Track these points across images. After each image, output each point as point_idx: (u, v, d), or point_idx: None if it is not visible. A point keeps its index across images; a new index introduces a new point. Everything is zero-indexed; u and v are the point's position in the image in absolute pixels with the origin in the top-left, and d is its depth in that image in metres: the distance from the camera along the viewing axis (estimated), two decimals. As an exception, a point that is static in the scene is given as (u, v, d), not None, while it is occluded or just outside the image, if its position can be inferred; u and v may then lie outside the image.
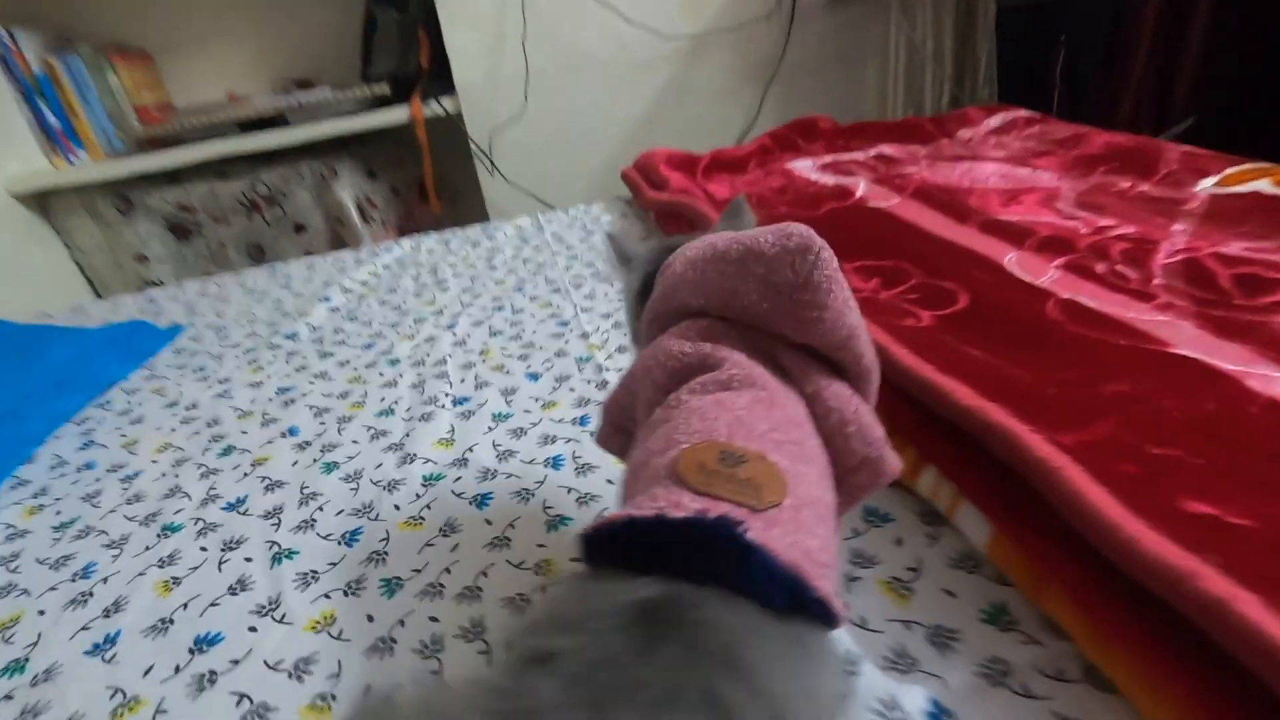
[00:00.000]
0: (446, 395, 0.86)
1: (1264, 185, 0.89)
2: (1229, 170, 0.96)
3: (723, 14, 1.93)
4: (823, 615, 0.29)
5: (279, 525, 0.67)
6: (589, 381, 0.84)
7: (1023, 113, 1.44)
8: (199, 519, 0.70)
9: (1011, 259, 0.81)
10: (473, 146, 1.92)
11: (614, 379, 0.82)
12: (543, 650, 0.25)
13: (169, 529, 0.69)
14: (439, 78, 1.88)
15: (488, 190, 2.00)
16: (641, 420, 0.41)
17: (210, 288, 1.41)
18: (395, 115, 1.88)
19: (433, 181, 1.99)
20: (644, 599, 0.26)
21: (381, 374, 0.94)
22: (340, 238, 2.05)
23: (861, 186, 1.13)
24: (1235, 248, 0.74)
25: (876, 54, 2.06)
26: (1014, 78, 1.83)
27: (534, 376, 0.87)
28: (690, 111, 2.03)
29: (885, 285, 0.81)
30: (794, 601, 0.27)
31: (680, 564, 0.27)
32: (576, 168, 2.03)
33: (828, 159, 1.38)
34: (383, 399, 0.87)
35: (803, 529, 0.30)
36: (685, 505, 0.29)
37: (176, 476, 0.78)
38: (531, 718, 0.23)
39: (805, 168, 1.34)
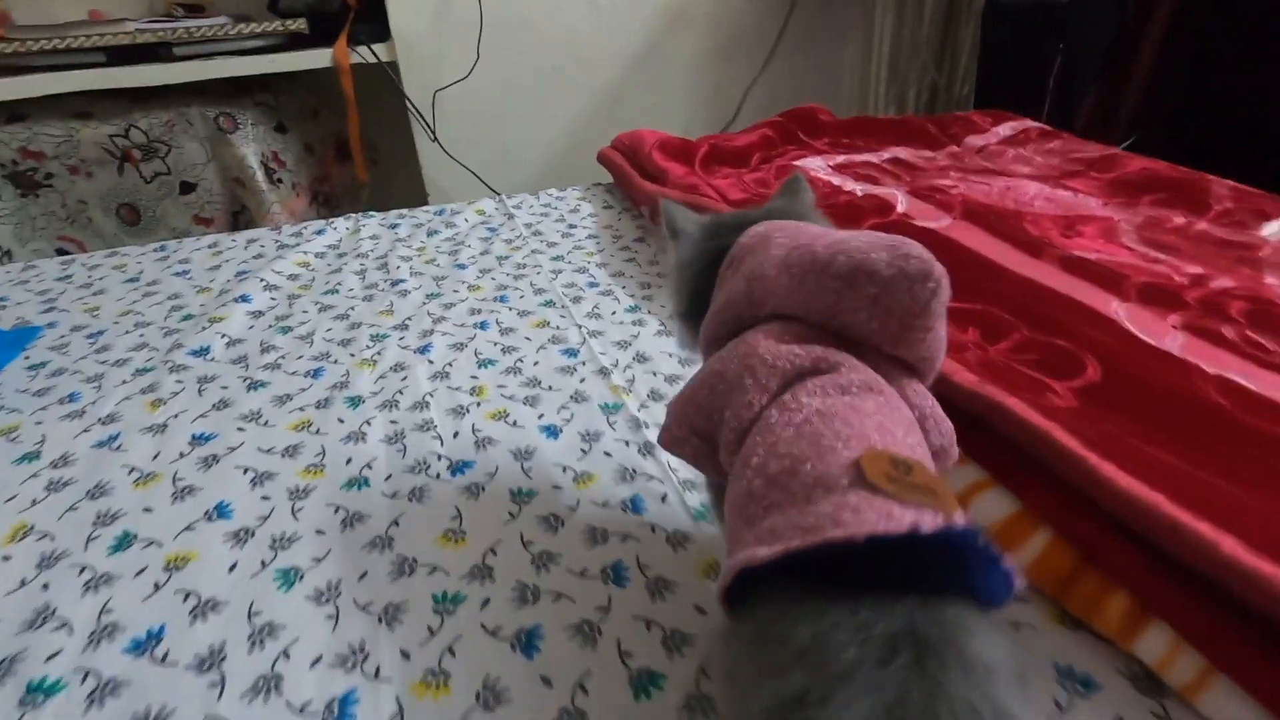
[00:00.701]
0: (439, 459, 0.65)
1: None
2: (1294, 215, 0.91)
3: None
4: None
5: (221, 691, 0.45)
6: (627, 443, 0.66)
7: (1031, 123, 1.36)
8: (86, 673, 0.47)
9: (1120, 311, 0.71)
10: (409, 106, 1.64)
11: (653, 435, 0.65)
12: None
13: (37, 690, 0.46)
14: (371, 19, 1.57)
15: (425, 160, 1.72)
16: (737, 422, 0.37)
17: (76, 270, 1.09)
18: (313, 58, 1.56)
19: (359, 142, 1.69)
20: (891, 629, 0.25)
21: (341, 420, 0.71)
22: (239, 200, 1.71)
23: (901, 200, 1.01)
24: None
25: (858, 38, 1.95)
26: (997, 76, 1.77)
27: (552, 432, 0.69)
28: (663, 86, 1.84)
29: (987, 338, 0.68)
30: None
31: (919, 578, 0.26)
32: (533, 140, 1.79)
33: (838, 159, 1.24)
34: (349, 461, 0.66)
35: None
36: (897, 516, 0.28)
37: (45, 589, 0.53)
38: None
39: (818, 168, 1.20)
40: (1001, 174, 1.14)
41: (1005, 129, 1.35)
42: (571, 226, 1.18)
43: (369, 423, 0.71)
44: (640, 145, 1.25)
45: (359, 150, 1.70)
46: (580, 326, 0.87)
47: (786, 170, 1.19)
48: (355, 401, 0.74)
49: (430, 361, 0.81)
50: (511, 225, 1.20)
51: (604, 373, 0.77)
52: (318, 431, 0.70)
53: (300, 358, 0.83)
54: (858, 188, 1.09)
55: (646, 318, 0.89)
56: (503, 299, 0.95)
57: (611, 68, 1.78)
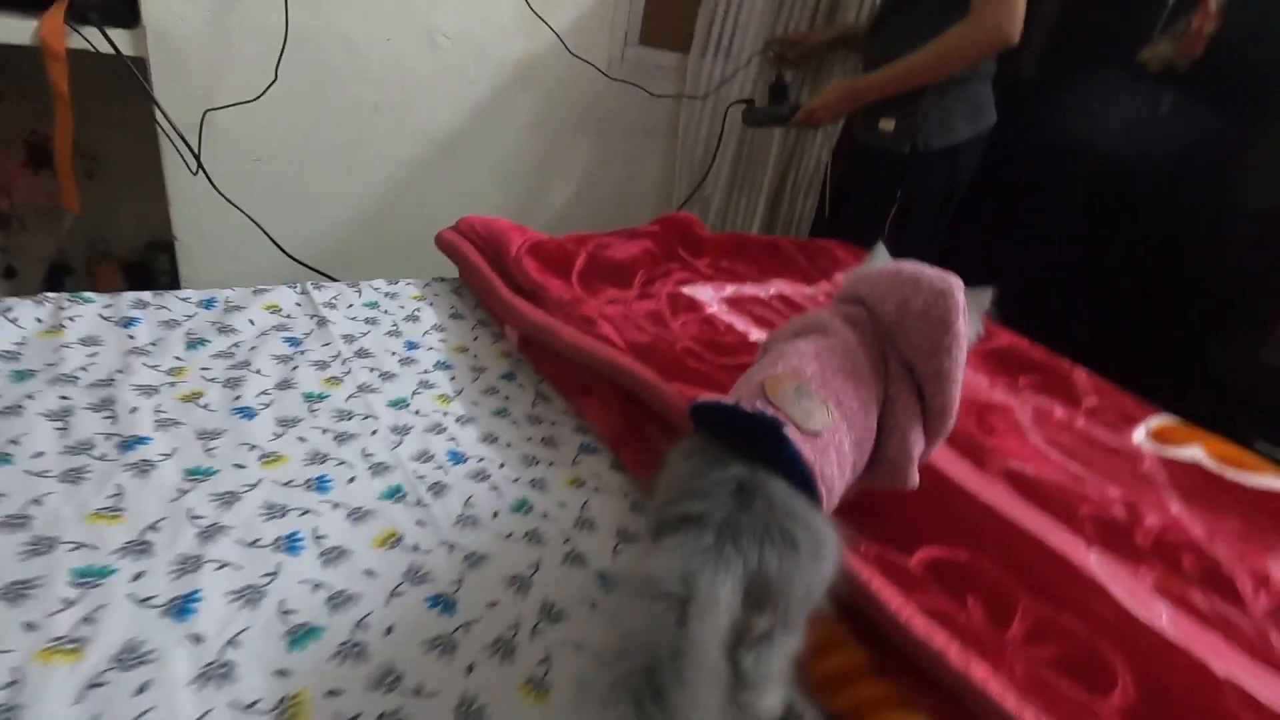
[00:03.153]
0: None
1: (1199, 455, 0.89)
2: (1152, 422, 0.96)
3: (564, 36, 1.54)
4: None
5: None
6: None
7: (889, 267, 1.38)
8: None
9: (1097, 568, 0.64)
10: (160, 120, 1.18)
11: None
12: (693, 514, 0.41)
13: None
14: (112, -5, 1.11)
15: (179, 196, 1.26)
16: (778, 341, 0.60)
17: None
18: (9, 30, 1.05)
19: (69, 155, 1.18)
20: (738, 476, 0.43)
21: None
22: None
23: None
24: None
25: (709, 136, 1.90)
26: (842, 206, 1.83)
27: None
28: (507, 145, 1.59)
29: (992, 615, 0.56)
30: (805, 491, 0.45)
31: (748, 441, 0.45)
32: (341, 194, 1.42)
33: (727, 290, 1.12)
34: None
35: (825, 457, 0.48)
36: (758, 407, 0.48)
37: None
38: (716, 552, 0.39)
39: (709, 300, 1.06)
40: (888, 331, 1.11)
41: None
42: (412, 346, 0.89)
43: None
44: (505, 245, 1.00)
45: (68, 165, 1.19)
46: (451, 546, 0.60)
47: (678, 300, 1.03)
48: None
49: (194, 638, 0.48)
50: (323, 336, 0.86)
51: (504, 653, 0.51)
52: None
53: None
54: (761, 335, 0.97)
55: (545, 524, 0.64)
56: (321, 484, 0.63)
57: (449, 115, 1.49)
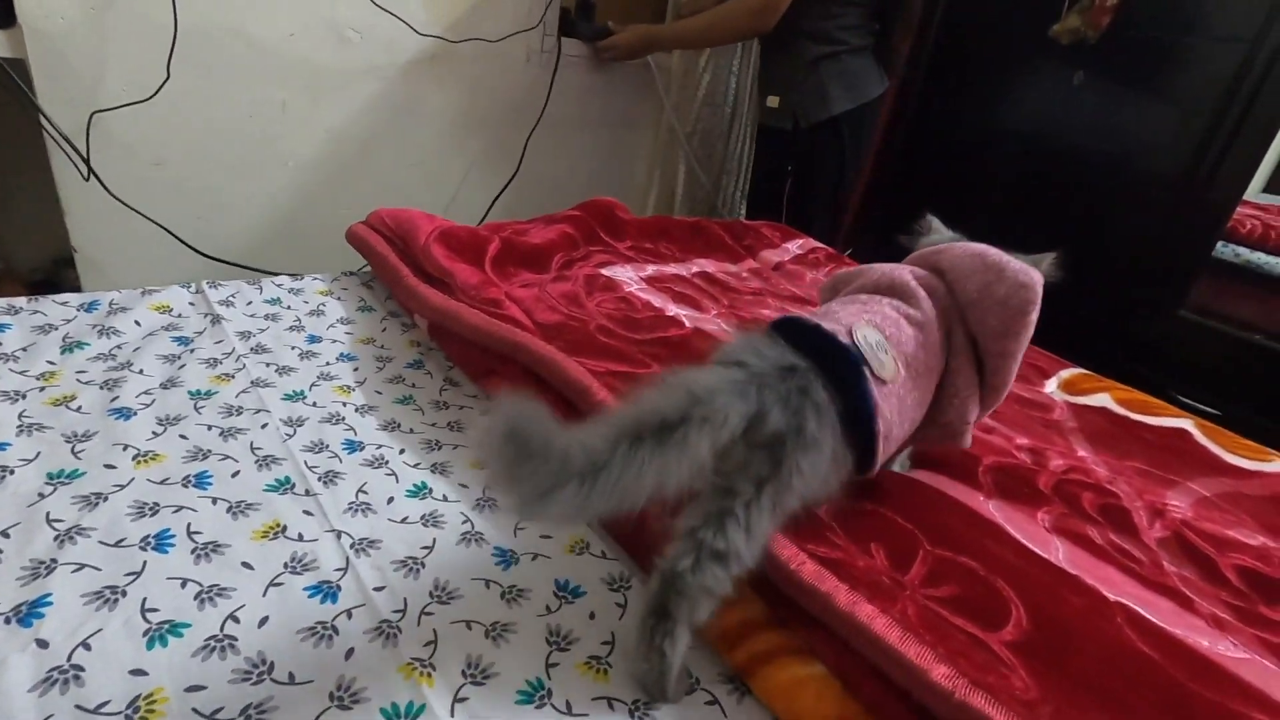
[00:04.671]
0: None
1: (1107, 401, 0.92)
2: (1063, 374, 0.98)
3: (477, 25, 1.51)
4: (867, 451, 0.52)
5: None
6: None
7: (814, 243, 1.39)
8: None
9: (995, 512, 0.65)
10: (45, 125, 1.13)
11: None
12: (737, 359, 0.47)
13: None
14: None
15: (74, 204, 1.20)
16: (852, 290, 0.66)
17: None
18: None
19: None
20: (793, 364, 0.48)
21: None
22: None
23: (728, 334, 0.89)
24: (1181, 505, 0.70)
25: (639, 122, 1.89)
26: (757, 187, 1.84)
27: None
28: (427, 143, 1.56)
29: (894, 560, 0.56)
30: (858, 430, 0.51)
31: (824, 363, 0.50)
32: (248, 195, 1.37)
33: (648, 270, 1.11)
34: None
35: (888, 404, 0.53)
36: (844, 342, 0.53)
37: None
38: (735, 379, 0.46)
39: (629, 280, 1.05)
40: (809, 301, 1.11)
41: (794, 246, 1.35)
42: (314, 340, 0.85)
43: None
44: (413, 234, 0.98)
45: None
46: (339, 534, 0.57)
47: (594, 281, 1.02)
48: None
49: (40, 643, 0.44)
50: (216, 334, 0.82)
51: (387, 635, 0.49)
52: None
53: None
54: (681, 313, 0.96)
55: (444, 506, 0.62)
56: (201, 480, 0.60)
57: (362, 113, 1.45)
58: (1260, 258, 1.81)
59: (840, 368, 0.50)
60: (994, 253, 0.63)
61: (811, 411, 0.47)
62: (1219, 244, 1.75)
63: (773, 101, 1.50)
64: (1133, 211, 1.73)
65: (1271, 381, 1.68)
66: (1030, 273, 0.60)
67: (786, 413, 0.46)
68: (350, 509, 0.60)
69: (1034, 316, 0.59)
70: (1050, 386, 0.95)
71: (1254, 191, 1.77)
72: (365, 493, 0.62)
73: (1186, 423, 0.87)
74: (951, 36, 1.87)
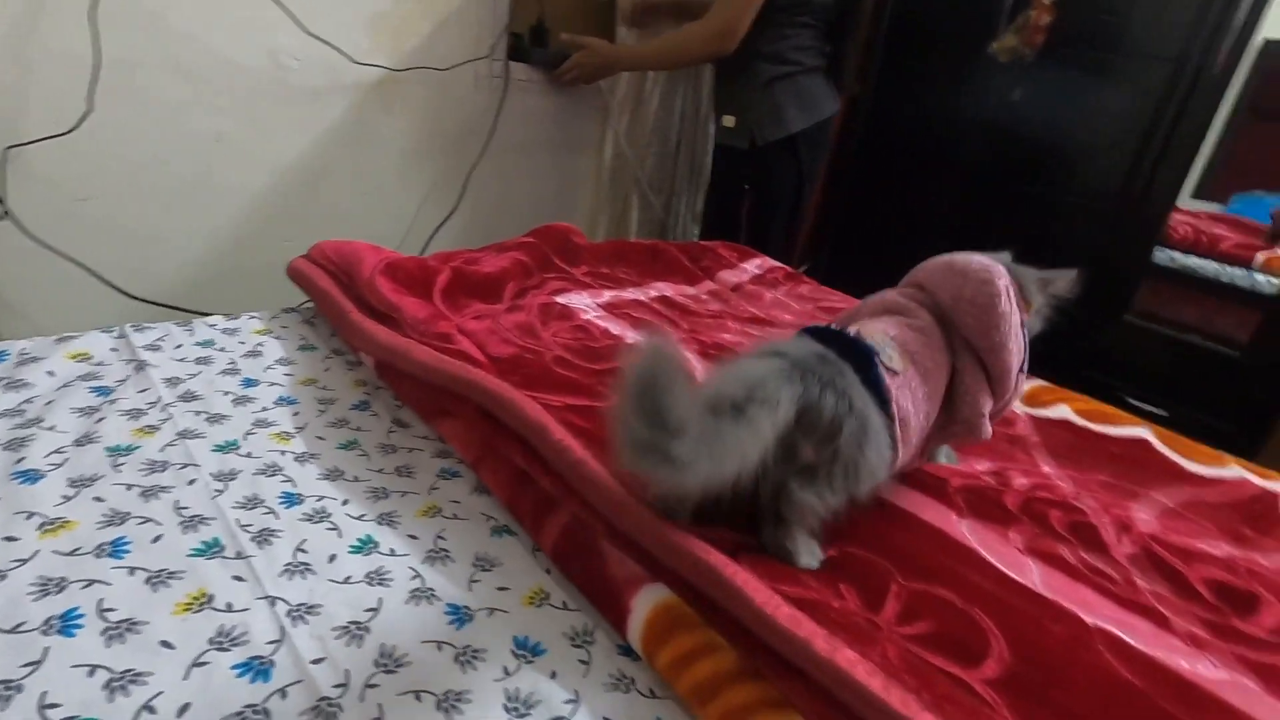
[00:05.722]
0: None
1: (1067, 413, 0.92)
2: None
3: (426, 52, 1.48)
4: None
5: None
6: None
7: (772, 263, 1.39)
8: None
9: (966, 532, 0.63)
10: (-45, 162, 1.05)
11: None
12: (777, 350, 0.54)
13: None
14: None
15: (-12, 243, 1.12)
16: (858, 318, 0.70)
17: None
18: None
19: None
20: (824, 353, 0.55)
21: None
22: None
23: (696, 367, 0.87)
24: (1147, 517, 0.70)
25: (586, 146, 1.88)
26: (714, 207, 1.84)
27: None
28: (375, 173, 1.52)
29: (865, 597, 0.54)
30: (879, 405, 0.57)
31: (847, 355, 0.57)
32: (180, 232, 1.30)
33: (605, 296, 1.09)
34: None
35: (902, 394, 0.59)
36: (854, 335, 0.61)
37: None
38: (780, 366, 0.52)
39: (587, 308, 1.02)
40: (769, 322, 1.10)
41: (752, 266, 1.34)
42: (250, 384, 0.80)
43: None
44: (357, 266, 0.93)
45: None
46: (273, 600, 0.52)
47: (550, 310, 0.99)
48: None
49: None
50: (140, 382, 0.77)
51: (326, 716, 0.44)
52: None
53: None
54: (639, 338, 0.93)
55: (390, 561, 0.58)
56: (117, 549, 0.55)
57: (306, 143, 1.40)
58: (1194, 261, 1.88)
59: (857, 358, 0.56)
60: (960, 258, 0.67)
61: (856, 390, 0.54)
62: (1155, 250, 1.81)
63: (728, 121, 1.50)
64: (1078, 222, 1.78)
65: (1211, 381, 1.74)
66: (991, 268, 0.64)
67: (834, 395, 0.52)
68: (287, 571, 0.55)
69: (1004, 306, 0.63)
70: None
71: (1184, 198, 1.85)
72: (304, 551, 0.57)
73: (1145, 431, 0.88)
74: (896, 55, 1.92)
